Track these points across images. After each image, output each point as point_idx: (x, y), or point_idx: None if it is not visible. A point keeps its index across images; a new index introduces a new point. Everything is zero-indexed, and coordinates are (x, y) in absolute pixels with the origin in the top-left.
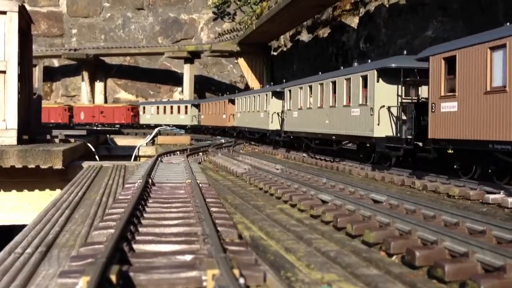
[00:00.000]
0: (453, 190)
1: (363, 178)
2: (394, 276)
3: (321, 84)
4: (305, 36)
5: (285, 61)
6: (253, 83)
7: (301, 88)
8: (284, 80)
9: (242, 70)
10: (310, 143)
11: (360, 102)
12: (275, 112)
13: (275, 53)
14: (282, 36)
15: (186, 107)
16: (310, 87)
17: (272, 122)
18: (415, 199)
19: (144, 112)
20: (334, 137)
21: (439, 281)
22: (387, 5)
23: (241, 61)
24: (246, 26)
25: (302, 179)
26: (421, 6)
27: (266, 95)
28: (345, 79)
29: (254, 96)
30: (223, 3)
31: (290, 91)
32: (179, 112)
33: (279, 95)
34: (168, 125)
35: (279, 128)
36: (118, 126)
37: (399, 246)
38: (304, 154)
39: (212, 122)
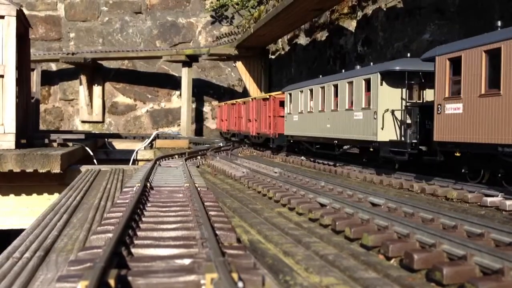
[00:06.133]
0: (451, 193)
1: (361, 181)
2: (392, 279)
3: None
4: (303, 40)
5: (283, 64)
6: (251, 86)
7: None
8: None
9: (240, 74)
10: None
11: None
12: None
13: (273, 57)
14: (280, 40)
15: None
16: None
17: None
18: (414, 202)
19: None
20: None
21: (438, 284)
22: (385, 9)
23: (239, 64)
24: (244, 30)
25: (300, 182)
26: (418, 10)
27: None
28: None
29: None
30: (221, 7)
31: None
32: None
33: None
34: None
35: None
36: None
37: (398, 249)
38: (302, 157)
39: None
